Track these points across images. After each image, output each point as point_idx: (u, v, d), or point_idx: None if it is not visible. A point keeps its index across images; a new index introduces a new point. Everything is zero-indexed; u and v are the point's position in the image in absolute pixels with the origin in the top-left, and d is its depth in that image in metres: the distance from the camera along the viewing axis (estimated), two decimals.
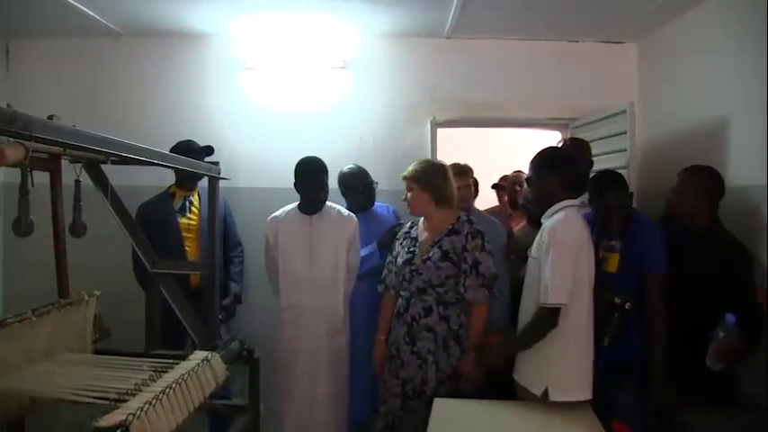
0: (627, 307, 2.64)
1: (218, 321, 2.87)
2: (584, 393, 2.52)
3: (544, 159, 2.68)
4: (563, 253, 2.44)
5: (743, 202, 2.99)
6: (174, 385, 1.73)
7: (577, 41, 4.48)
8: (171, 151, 3.45)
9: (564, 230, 2.48)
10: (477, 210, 3.68)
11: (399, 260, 3.03)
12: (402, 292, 3.00)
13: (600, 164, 3.78)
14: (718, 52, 3.41)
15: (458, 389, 2.85)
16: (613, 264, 2.80)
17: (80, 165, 2.27)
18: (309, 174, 3.27)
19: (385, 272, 3.15)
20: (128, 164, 2.36)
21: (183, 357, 2.13)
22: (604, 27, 4.26)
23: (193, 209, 3.74)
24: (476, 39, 4.43)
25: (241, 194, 4.22)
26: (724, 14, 3.38)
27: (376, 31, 4.33)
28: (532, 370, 2.59)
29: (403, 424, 2.92)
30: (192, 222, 3.69)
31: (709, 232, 2.81)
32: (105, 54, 4.40)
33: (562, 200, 2.59)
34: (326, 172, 3.31)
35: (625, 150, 3.65)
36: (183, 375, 1.81)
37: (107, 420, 1.49)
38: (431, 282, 2.89)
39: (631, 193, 3.10)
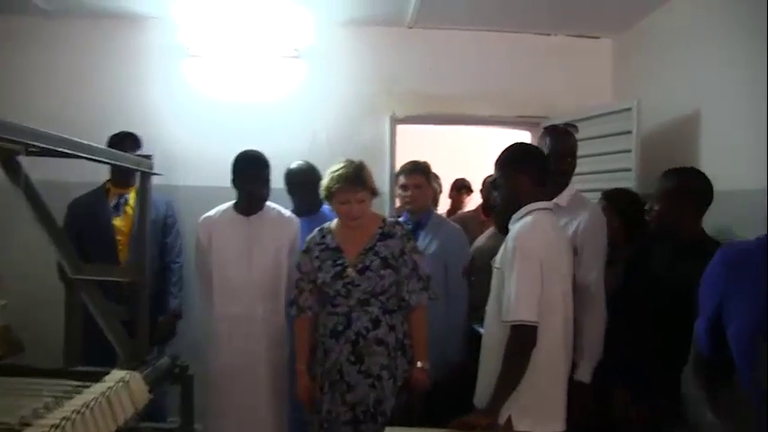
0: None
1: (150, 338, 2.73)
2: (555, 425, 2.38)
3: (510, 156, 2.56)
4: (530, 262, 2.30)
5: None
6: (72, 416, 1.53)
7: (549, 35, 4.48)
8: (109, 144, 3.34)
9: (530, 236, 2.36)
10: (438, 215, 3.60)
11: (322, 275, 2.83)
12: (337, 309, 2.83)
13: (593, 165, 3.77)
14: (694, 47, 3.44)
15: (409, 402, 2.79)
16: None
17: None
18: (248, 167, 3.15)
19: (295, 292, 2.93)
20: (47, 155, 2.26)
21: (104, 375, 1.99)
22: (578, 21, 4.26)
23: (127, 209, 3.59)
24: (440, 29, 4.38)
25: (180, 193, 4.07)
26: (700, 8, 3.40)
27: (332, 19, 4.25)
28: None
29: None
30: (123, 224, 3.55)
31: (694, 244, 2.60)
32: (32, 36, 4.22)
33: (531, 201, 2.48)
34: (268, 167, 3.19)
35: (630, 151, 3.59)
36: (88, 403, 1.62)
37: None
38: (373, 291, 2.78)
39: None
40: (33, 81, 4.19)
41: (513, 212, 2.48)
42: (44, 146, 1.88)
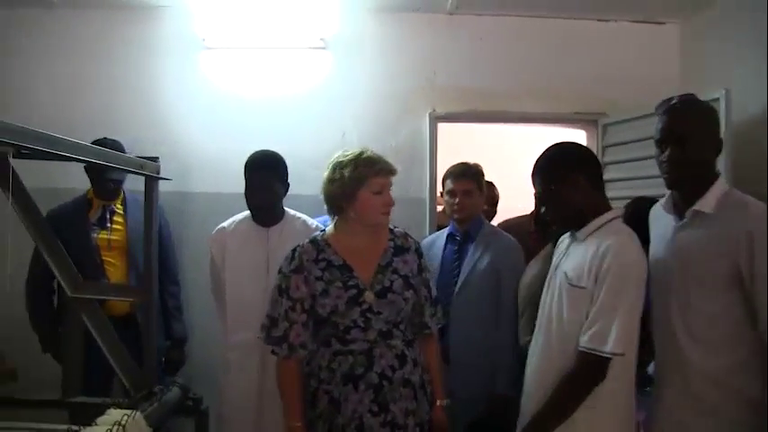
0: None
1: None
2: None
3: (563, 159, 2.34)
4: (637, 287, 2.13)
5: None
6: None
7: (608, 21, 4.33)
8: None
9: (634, 254, 2.15)
10: (491, 225, 3.40)
11: (331, 302, 2.42)
12: (352, 346, 2.43)
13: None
14: None
15: None
16: None
17: None
18: (249, 170, 2.95)
19: (284, 325, 2.42)
20: (39, 158, 2.19)
21: (103, 410, 1.89)
22: (641, 4, 4.13)
23: (117, 219, 3.46)
24: (485, 15, 4.26)
25: (195, 201, 4.00)
26: None
27: (362, 4, 4.16)
28: None
29: None
30: (113, 238, 3.41)
31: None
32: (33, 27, 4.15)
33: (602, 209, 2.27)
34: (277, 170, 2.97)
35: None
36: None
37: None
38: (395, 320, 2.46)
39: None
40: (33, 78, 4.12)
41: (578, 225, 2.28)
42: (35, 147, 1.83)
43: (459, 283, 3.13)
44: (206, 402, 2.68)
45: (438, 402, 2.55)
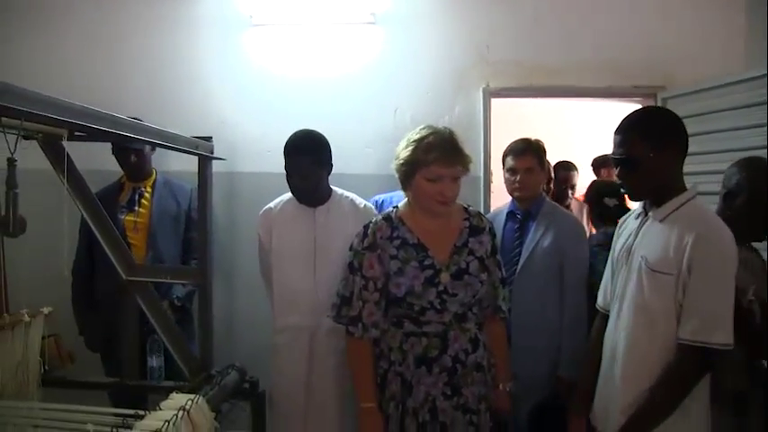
0: None
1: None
2: None
3: (668, 125, 2.19)
4: (732, 270, 2.06)
5: None
6: None
7: None
8: None
9: (731, 243, 2.07)
10: (551, 203, 3.33)
11: (406, 282, 2.38)
12: (426, 328, 2.41)
13: (720, 142, 3.51)
14: None
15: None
16: None
17: (16, 138, 2.01)
18: (288, 154, 2.85)
19: (358, 304, 2.42)
20: (94, 140, 2.20)
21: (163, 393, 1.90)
22: None
23: (144, 202, 3.55)
24: None
25: (243, 181, 4.04)
26: None
27: None
28: None
29: None
30: (139, 220, 3.50)
31: None
32: (73, 6, 4.19)
33: (682, 188, 2.17)
34: (315, 152, 2.86)
35: (762, 126, 3.23)
36: None
37: None
38: (470, 303, 2.44)
39: None
40: (76, 58, 4.16)
41: (658, 200, 2.19)
42: (95, 127, 1.84)
43: (520, 263, 3.07)
44: (261, 385, 2.71)
45: (501, 386, 2.54)
